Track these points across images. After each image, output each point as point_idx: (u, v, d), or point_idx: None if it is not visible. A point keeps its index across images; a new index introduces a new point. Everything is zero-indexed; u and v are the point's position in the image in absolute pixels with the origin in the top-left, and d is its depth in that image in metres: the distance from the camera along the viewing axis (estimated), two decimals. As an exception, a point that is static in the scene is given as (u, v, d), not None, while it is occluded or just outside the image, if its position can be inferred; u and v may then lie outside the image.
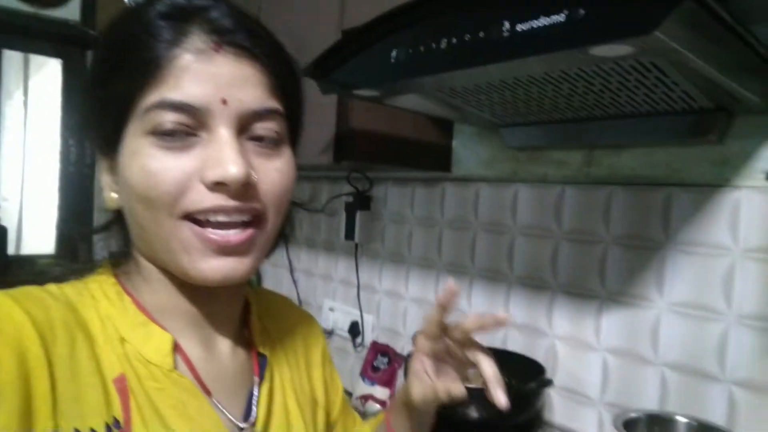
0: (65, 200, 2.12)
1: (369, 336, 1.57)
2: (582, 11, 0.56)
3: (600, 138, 1.01)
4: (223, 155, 0.41)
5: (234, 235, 0.43)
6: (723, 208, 0.92)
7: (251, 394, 0.51)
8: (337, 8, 1.13)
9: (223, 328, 0.51)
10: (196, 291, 0.47)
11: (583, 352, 1.10)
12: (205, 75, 0.41)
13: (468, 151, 1.32)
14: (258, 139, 0.44)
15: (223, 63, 0.41)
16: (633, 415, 0.86)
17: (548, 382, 0.97)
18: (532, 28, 0.60)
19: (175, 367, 0.45)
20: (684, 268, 0.97)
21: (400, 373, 1.45)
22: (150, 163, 0.41)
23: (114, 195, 0.46)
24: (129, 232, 0.47)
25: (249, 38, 0.43)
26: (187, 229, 0.42)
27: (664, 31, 0.54)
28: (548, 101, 0.89)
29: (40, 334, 0.38)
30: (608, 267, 1.07)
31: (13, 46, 2.06)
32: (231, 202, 0.42)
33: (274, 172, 0.45)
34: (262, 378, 0.52)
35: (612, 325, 1.06)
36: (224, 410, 0.47)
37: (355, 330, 1.59)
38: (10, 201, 2.20)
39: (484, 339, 1.28)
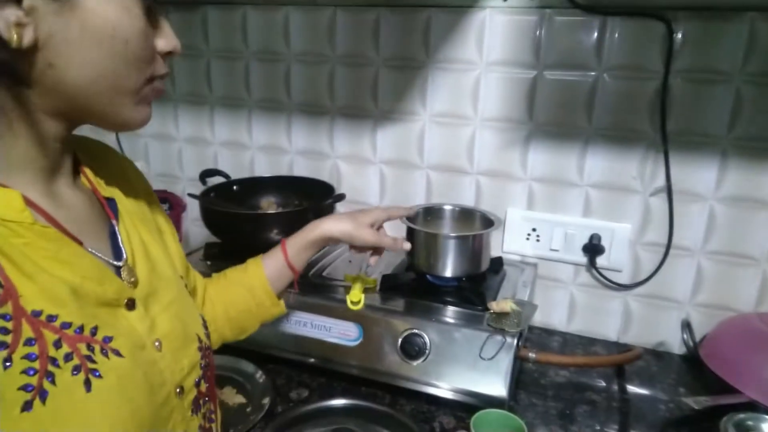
0: None
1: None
2: None
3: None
4: (170, 29, 0.50)
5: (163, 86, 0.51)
6: (472, 28, 1.07)
7: (113, 236, 0.53)
8: None
9: (63, 179, 0.51)
10: (51, 143, 0.47)
11: (362, 167, 1.23)
12: None
13: (228, -31, 1.20)
14: None
15: None
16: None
17: (341, 197, 1.08)
18: None
19: (35, 220, 0.44)
20: (442, 83, 1.12)
21: (185, 216, 1.42)
22: (140, 24, 0.45)
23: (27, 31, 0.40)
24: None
25: None
26: (149, 86, 0.49)
27: None
28: None
29: None
30: (380, 87, 1.17)
31: None
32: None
33: None
34: (117, 219, 0.55)
35: (386, 140, 1.20)
36: (96, 252, 0.49)
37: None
38: None
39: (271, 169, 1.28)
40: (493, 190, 1.14)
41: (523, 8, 1.02)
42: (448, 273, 0.97)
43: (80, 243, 0.47)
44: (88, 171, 0.55)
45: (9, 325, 0.39)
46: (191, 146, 1.39)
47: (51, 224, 0.45)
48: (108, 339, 0.45)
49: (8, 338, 0.38)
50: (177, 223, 1.41)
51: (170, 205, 1.41)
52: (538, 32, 1.02)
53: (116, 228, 0.54)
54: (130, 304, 0.49)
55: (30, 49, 0.40)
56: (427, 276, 1.00)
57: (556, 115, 1.05)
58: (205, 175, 1.22)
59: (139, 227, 0.57)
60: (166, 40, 0.49)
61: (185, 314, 0.57)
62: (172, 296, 0.56)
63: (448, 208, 1.10)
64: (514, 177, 1.11)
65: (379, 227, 0.86)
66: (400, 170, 1.20)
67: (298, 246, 0.80)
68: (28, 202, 0.44)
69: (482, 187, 1.15)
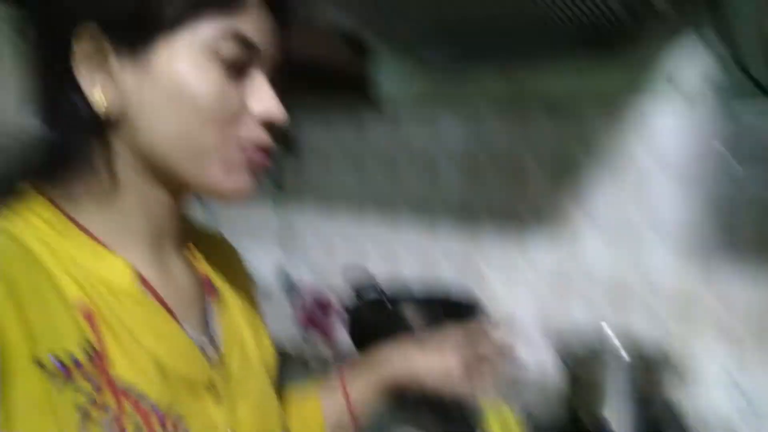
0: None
1: (305, 286, 1.52)
2: None
3: (517, 52, 0.96)
4: (270, 95, 0.46)
5: (265, 159, 0.47)
6: (634, 119, 0.92)
7: (206, 313, 0.52)
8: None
9: (173, 251, 0.51)
10: (161, 212, 0.47)
11: (513, 280, 1.09)
12: (265, 22, 0.45)
13: (390, 81, 1.26)
14: None
15: (270, 16, 0.47)
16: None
17: (485, 317, 0.95)
18: None
19: (141, 292, 0.45)
20: (603, 185, 0.96)
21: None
22: (213, 81, 0.42)
23: (108, 96, 0.42)
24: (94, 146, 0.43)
25: None
26: (240, 152, 0.45)
27: None
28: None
29: None
30: (533, 190, 1.06)
31: None
32: (270, 141, 0.47)
33: None
34: (216, 300, 0.54)
35: (540, 250, 1.06)
36: (190, 330, 0.48)
37: (288, 282, 1.54)
38: None
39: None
40: (675, 317, 0.89)
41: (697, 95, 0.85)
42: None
43: (173, 314, 0.47)
44: (193, 249, 0.55)
45: (106, 399, 0.38)
46: (344, 241, 1.42)
47: (154, 297, 0.46)
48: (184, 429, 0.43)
49: (103, 412, 0.38)
50: (329, 327, 1.40)
51: (327, 310, 1.42)
52: (718, 123, 0.83)
53: (213, 310, 0.53)
54: (215, 391, 0.47)
55: (114, 112, 0.42)
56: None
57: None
58: (360, 290, 1.21)
59: (236, 315, 0.56)
60: (259, 102, 0.45)
61: (269, 412, 0.54)
62: (259, 391, 0.54)
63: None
64: (703, 305, 0.86)
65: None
66: (558, 285, 1.03)
67: (364, 388, 0.65)
68: (136, 272, 0.45)
69: (658, 312, 0.90)
